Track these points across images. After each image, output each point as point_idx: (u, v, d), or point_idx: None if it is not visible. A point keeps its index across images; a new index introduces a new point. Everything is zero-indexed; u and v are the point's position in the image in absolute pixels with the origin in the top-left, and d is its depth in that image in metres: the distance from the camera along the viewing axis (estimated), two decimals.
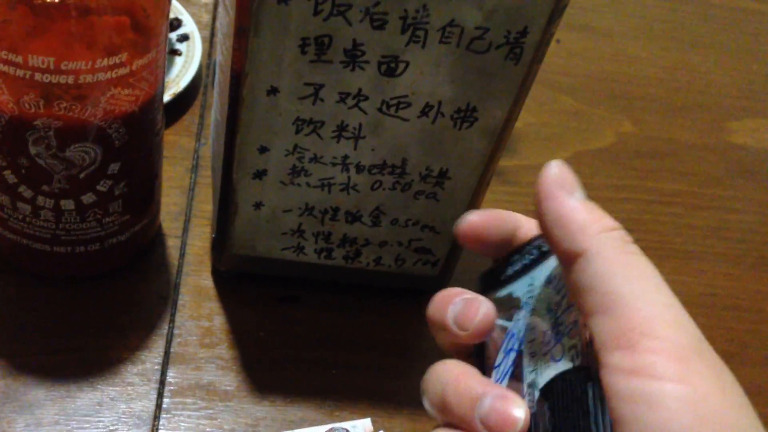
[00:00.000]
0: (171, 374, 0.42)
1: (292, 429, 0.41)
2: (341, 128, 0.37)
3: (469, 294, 0.27)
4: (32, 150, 0.36)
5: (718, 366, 0.21)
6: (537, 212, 0.25)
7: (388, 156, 0.39)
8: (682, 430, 0.20)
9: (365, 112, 0.36)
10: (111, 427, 0.39)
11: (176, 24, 0.57)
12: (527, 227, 0.28)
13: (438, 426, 0.26)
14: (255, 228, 0.42)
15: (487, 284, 0.29)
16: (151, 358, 0.42)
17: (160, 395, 0.41)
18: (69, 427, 0.39)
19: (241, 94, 0.35)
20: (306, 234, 0.43)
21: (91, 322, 0.43)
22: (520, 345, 0.26)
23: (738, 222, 0.59)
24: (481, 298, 0.27)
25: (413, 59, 0.34)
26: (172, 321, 0.44)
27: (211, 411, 0.41)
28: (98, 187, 0.39)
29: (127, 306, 0.44)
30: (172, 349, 0.43)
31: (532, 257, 0.27)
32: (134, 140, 0.38)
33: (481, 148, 0.39)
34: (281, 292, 0.47)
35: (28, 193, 0.38)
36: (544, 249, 0.27)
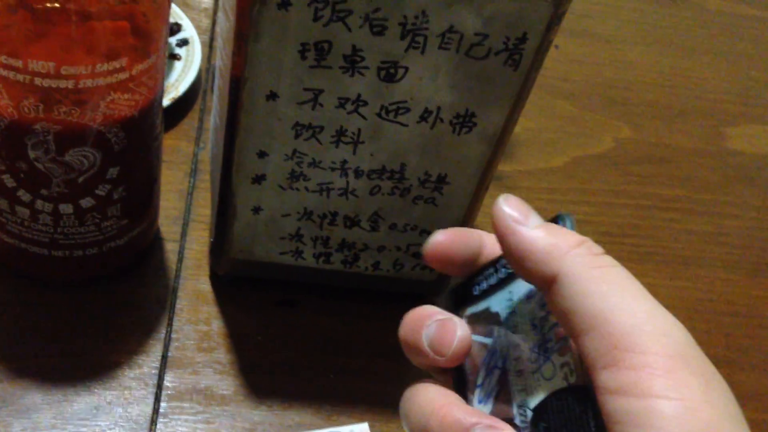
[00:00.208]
0: (168, 378, 0.42)
1: None
2: (340, 133, 0.37)
3: (441, 314, 0.27)
4: (31, 154, 0.36)
5: (706, 372, 0.21)
6: (502, 251, 0.24)
7: (387, 161, 0.39)
8: None
9: (364, 118, 0.36)
10: None
11: (176, 29, 0.57)
12: (491, 244, 0.28)
13: None
14: (253, 232, 0.42)
15: (459, 299, 0.28)
16: (148, 362, 0.42)
17: (157, 399, 0.41)
18: (65, 431, 0.39)
19: (241, 98, 0.35)
20: (304, 238, 0.43)
21: (89, 325, 0.43)
22: (504, 363, 0.25)
23: (735, 227, 0.59)
24: (455, 319, 0.26)
25: (412, 65, 0.34)
26: (169, 325, 0.44)
27: (208, 415, 0.41)
28: (97, 192, 0.39)
29: (125, 310, 0.44)
30: (169, 353, 0.43)
31: (509, 271, 0.26)
32: (133, 145, 0.38)
33: (480, 154, 0.39)
34: (279, 296, 0.47)
35: (26, 197, 0.38)
36: None
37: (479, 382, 0.26)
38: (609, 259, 0.23)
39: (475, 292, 0.27)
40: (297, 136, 0.37)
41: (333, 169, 0.39)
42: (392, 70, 0.35)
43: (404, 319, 0.27)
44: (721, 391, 0.21)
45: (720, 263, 0.56)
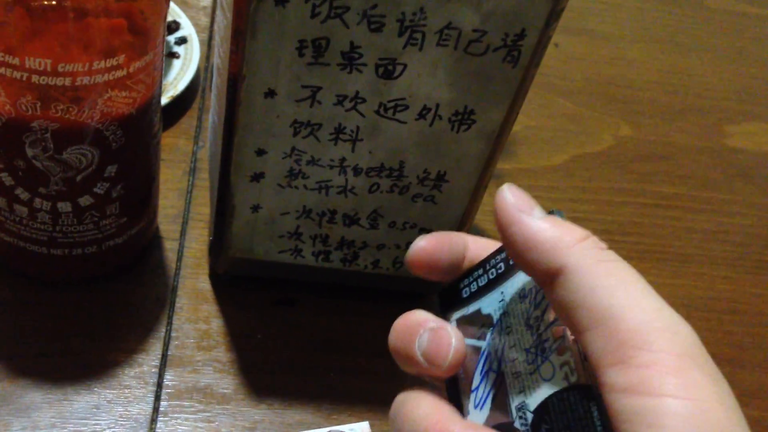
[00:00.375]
0: (168, 377, 0.42)
1: None
2: (339, 131, 0.37)
3: (433, 321, 0.26)
4: (29, 152, 0.36)
5: (713, 372, 0.21)
6: (503, 241, 0.24)
7: (385, 159, 0.39)
8: None
9: (363, 115, 0.36)
10: (108, 431, 0.39)
11: (174, 27, 0.57)
12: (474, 248, 0.28)
13: None
14: (252, 231, 0.42)
15: (448, 302, 0.27)
16: (148, 361, 0.42)
17: (157, 398, 0.41)
18: (66, 430, 0.39)
19: (239, 96, 0.35)
20: (303, 237, 0.43)
21: (88, 324, 0.43)
22: (499, 365, 0.25)
23: (736, 225, 0.59)
24: (449, 327, 0.26)
25: (411, 62, 0.34)
26: (169, 324, 0.44)
27: (208, 414, 0.41)
28: (95, 190, 0.39)
29: (124, 309, 0.44)
30: (169, 352, 0.43)
31: (498, 271, 0.26)
32: (131, 143, 0.38)
33: (479, 151, 0.39)
34: (279, 294, 0.47)
35: (24, 196, 0.38)
36: (511, 262, 0.26)
37: (474, 386, 0.26)
38: (613, 254, 0.23)
39: (465, 294, 0.27)
40: (295, 133, 0.37)
41: (332, 167, 0.39)
42: (390, 67, 0.34)
43: (394, 327, 0.26)
44: (727, 390, 0.21)
45: (721, 261, 0.56)
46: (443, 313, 0.27)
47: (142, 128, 0.38)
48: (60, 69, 0.32)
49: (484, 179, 0.40)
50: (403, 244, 0.43)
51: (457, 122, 0.37)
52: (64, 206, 0.39)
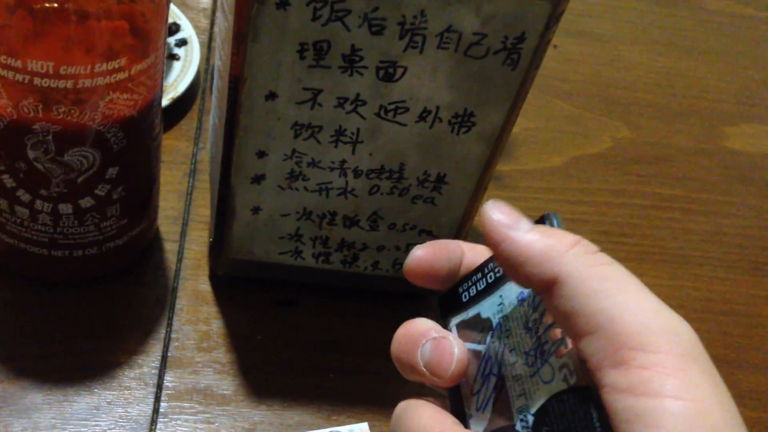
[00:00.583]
0: (168, 378, 0.42)
1: None
2: (339, 133, 0.37)
3: (435, 331, 0.26)
4: (31, 154, 0.36)
5: (713, 373, 0.21)
6: (496, 259, 0.24)
7: (385, 161, 0.39)
8: None
9: (363, 117, 0.37)
10: None
11: (174, 29, 0.57)
12: (470, 254, 0.28)
13: None
14: (253, 232, 0.42)
15: (448, 307, 0.27)
16: (148, 362, 0.42)
17: (157, 399, 0.41)
18: (66, 431, 0.39)
19: (240, 98, 0.35)
20: (304, 238, 0.43)
21: (89, 326, 0.43)
22: (499, 369, 0.25)
23: (734, 227, 0.59)
24: (451, 337, 0.26)
25: (411, 64, 0.34)
26: (169, 325, 0.44)
27: (208, 415, 0.41)
28: (96, 191, 0.39)
29: (125, 310, 0.44)
30: (169, 353, 0.43)
31: (496, 275, 0.26)
32: (132, 144, 0.38)
33: (479, 153, 0.39)
34: (279, 296, 0.47)
35: (26, 197, 0.38)
36: None
37: (476, 390, 0.26)
38: (605, 257, 0.23)
39: (464, 299, 0.27)
40: (296, 135, 0.37)
41: (332, 169, 0.39)
42: (391, 70, 0.35)
43: (396, 336, 0.27)
44: (725, 391, 0.21)
45: (719, 263, 0.56)
46: (443, 318, 0.28)
47: (143, 130, 0.39)
48: (62, 71, 0.33)
49: (483, 181, 0.40)
50: (403, 245, 0.44)
51: (457, 124, 0.37)
52: (65, 208, 0.39)
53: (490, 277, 0.26)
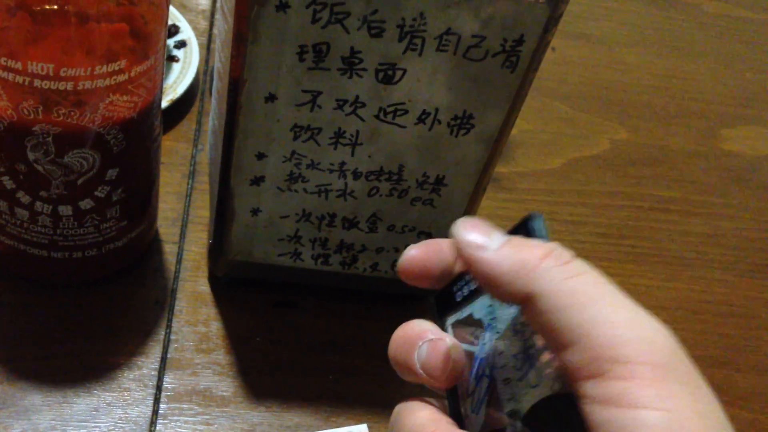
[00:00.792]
0: (167, 380, 0.42)
1: None
2: (338, 135, 0.37)
3: (432, 332, 0.26)
4: (30, 156, 0.36)
5: (692, 380, 0.20)
6: (475, 279, 0.24)
7: (385, 163, 0.39)
8: None
9: (362, 119, 0.37)
10: None
11: (174, 31, 0.57)
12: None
13: None
14: (252, 234, 0.42)
15: (443, 306, 0.27)
16: (147, 364, 0.42)
17: (156, 401, 0.41)
18: None
19: (239, 100, 0.35)
20: (303, 240, 0.43)
21: (88, 327, 0.43)
22: (490, 371, 0.25)
23: (732, 229, 0.59)
24: (447, 338, 0.26)
25: (410, 67, 0.35)
26: (168, 326, 0.44)
27: (207, 417, 0.41)
28: (96, 193, 0.39)
29: (124, 311, 0.44)
30: (168, 355, 0.43)
31: None
32: (132, 146, 0.38)
33: (478, 155, 0.39)
34: (278, 297, 0.47)
35: (26, 199, 0.38)
36: None
37: (470, 391, 0.26)
38: (579, 265, 0.22)
39: (458, 298, 0.27)
40: (295, 137, 0.37)
41: (331, 171, 0.39)
42: (390, 72, 0.35)
43: (393, 338, 0.27)
44: (708, 399, 0.20)
45: (716, 264, 0.57)
46: (440, 317, 0.28)
47: (143, 132, 0.39)
48: (62, 73, 0.33)
49: (482, 183, 0.41)
50: (401, 247, 0.43)
51: (456, 126, 0.37)
52: (65, 209, 0.39)
53: None
